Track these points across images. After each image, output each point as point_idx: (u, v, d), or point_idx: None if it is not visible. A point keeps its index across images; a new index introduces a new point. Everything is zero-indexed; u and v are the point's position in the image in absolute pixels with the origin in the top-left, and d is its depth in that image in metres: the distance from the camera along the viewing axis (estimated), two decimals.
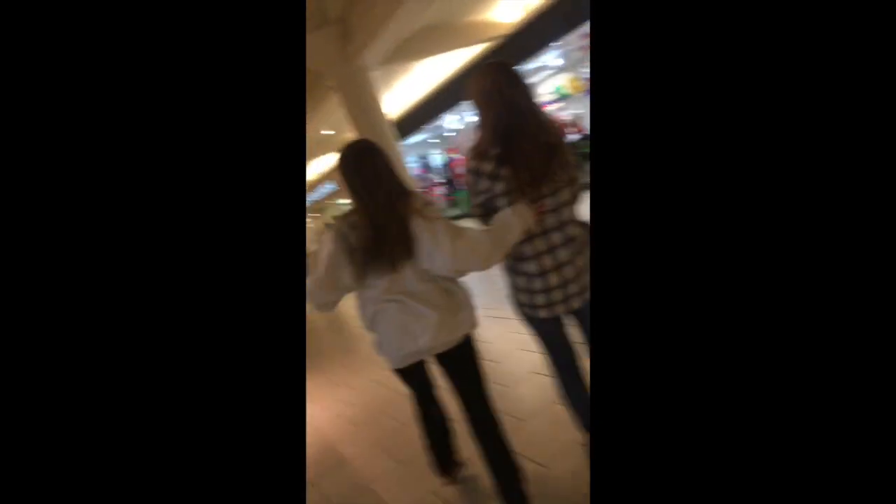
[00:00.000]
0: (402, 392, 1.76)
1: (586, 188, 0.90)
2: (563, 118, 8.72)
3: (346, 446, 2.38)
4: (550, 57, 8.39)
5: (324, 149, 12.75)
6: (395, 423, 2.40)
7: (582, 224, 1.28)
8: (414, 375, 1.47)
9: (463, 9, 7.35)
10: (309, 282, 1.31)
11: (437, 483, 1.74)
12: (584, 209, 1.13)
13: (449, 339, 1.32)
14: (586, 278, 1.27)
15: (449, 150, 12.78)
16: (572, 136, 7.87)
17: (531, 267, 1.26)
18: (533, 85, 1.21)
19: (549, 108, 8.86)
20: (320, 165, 15.67)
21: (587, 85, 8.52)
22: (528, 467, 1.53)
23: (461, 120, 11.22)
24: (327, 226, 1.46)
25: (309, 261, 1.11)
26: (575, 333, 1.41)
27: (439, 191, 13.47)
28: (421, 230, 1.22)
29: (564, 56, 8.39)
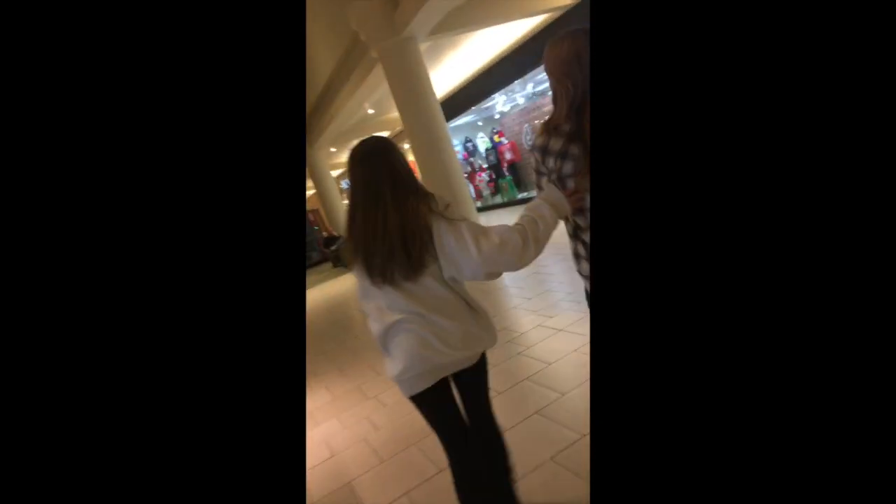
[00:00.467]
0: None
1: None
2: None
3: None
4: None
5: (365, 130, 12.23)
6: None
7: None
8: (434, 397, 1.24)
9: None
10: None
11: None
12: None
13: (472, 355, 1.23)
14: None
15: (496, 134, 12.18)
16: None
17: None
18: None
19: None
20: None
21: None
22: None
23: (509, 101, 10.62)
24: None
25: None
26: None
27: (483, 176, 12.95)
28: (442, 234, 1.12)
29: None
